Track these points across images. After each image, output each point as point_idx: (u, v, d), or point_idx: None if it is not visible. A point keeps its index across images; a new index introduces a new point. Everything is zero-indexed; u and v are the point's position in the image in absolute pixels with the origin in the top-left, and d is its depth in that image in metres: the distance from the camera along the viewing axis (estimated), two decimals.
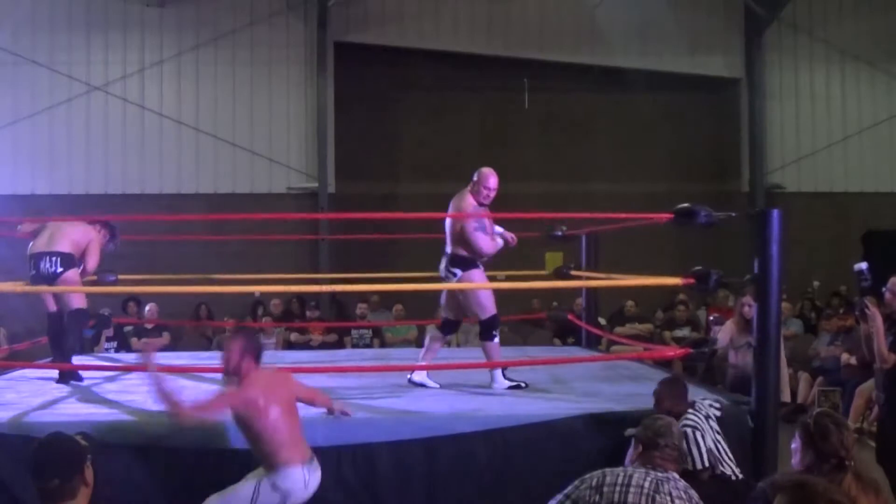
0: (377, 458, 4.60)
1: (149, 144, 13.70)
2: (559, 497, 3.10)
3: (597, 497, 2.99)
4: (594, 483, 3.04)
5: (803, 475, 2.56)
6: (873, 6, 15.02)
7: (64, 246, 6.18)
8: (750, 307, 6.22)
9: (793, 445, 3.27)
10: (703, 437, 4.35)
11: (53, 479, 2.76)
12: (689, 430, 4.31)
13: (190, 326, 11.12)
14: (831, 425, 3.18)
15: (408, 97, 14.43)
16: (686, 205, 5.26)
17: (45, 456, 2.88)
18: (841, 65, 15.06)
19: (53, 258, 6.10)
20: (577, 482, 3.11)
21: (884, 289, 5.40)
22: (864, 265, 5.37)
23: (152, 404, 5.30)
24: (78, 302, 6.20)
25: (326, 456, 4.59)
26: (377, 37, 14.26)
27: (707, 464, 4.28)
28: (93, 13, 13.65)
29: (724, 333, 7.02)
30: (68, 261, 6.14)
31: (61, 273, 6.08)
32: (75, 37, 13.60)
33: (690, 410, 4.58)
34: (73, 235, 6.26)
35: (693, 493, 3.05)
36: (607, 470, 3.09)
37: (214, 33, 13.82)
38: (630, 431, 3.44)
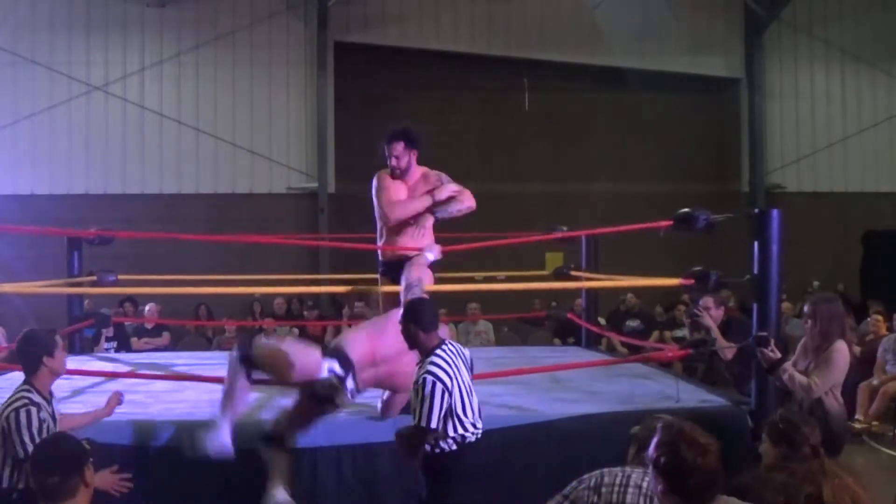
0: (377, 458, 4.60)
1: (149, 144, 13.70)
2: (557, 498, 3.10)
3: (595, 497, 2.98)
4: (592, 483, 3.04)
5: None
6: (873, 6, 15.03)
7: None
8: (810, 322, 4.77)
9: (760, 448, 3.37)
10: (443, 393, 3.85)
11: (53, 476, 2.82)
12: (430, 380, 3.83)
13: (190, 327, 11.11)
14: (797, 419, 3.48)
15: (408, 97, 14.43)
16: (685, 210, 5.27)
17: (46, 453, 2.96)
18: (841, 65, 15.07)
19: None
20: (574, 483, 3.11)
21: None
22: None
23: (151, 405, 5.32)
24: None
25: (326, 455, 4.60)
26: (377, 37, 14.26)
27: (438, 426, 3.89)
28: (93, 13, 13.65)
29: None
30: None
31: None
32: (75, 37, 13.60)
33: (441, 351, 3.99)
34: None
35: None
36: (605, 470, 3.08)
37: (214, 33, 13.83)
38: (634, 429, 3.43)
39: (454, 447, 3.97)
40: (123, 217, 12.56)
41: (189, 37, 13.80)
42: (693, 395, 5.47)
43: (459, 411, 3.96)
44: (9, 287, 6.23)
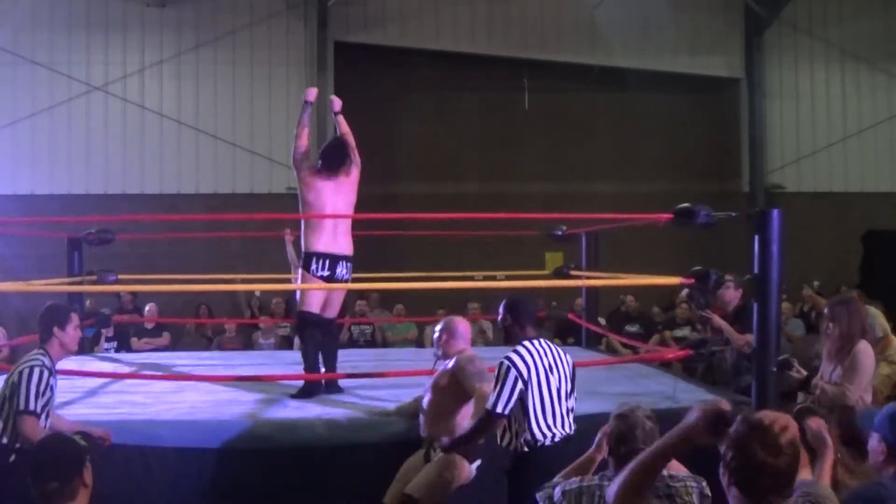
0: (376, 457, 4.60)
1: (149, 144, 13.69)
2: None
3: None
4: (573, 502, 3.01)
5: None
6: (873, 6, 15.03)
7: (351, 246, 5.97)
8: (830, 325, 4.65)
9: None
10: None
11: (53, 482, 2.75)
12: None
13: (190, 326, 11.11)
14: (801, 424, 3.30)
15: (408, 97, 14.43)
16: (686, 205, 5.27)
17: (44, 457, 2.88)
18: (841, 65, 15.06)
19: (349, 265, 5.89)
20: (558, 497, 3.07)
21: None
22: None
23: (151, 405, 5.32)
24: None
25: (321, 454, 4.60)
26: (377, 37, 14.25)
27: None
28: (93, 13, 13.64)
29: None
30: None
31: (348, 280, 5.88)
32: (75, 37, 13.59)
33: (529, 343, 4.00)
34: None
35: (675, 484, 2.99)
36: (584, 486, 3.04)
37: (214, 33, 13.82)
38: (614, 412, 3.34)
39: (525, 449, 3.87)
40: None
41: (189, 37, 13.80)
42: (693, 395, 5.47)
43: (537, 410, 3.85)
44: (9, 286, 6.23)
